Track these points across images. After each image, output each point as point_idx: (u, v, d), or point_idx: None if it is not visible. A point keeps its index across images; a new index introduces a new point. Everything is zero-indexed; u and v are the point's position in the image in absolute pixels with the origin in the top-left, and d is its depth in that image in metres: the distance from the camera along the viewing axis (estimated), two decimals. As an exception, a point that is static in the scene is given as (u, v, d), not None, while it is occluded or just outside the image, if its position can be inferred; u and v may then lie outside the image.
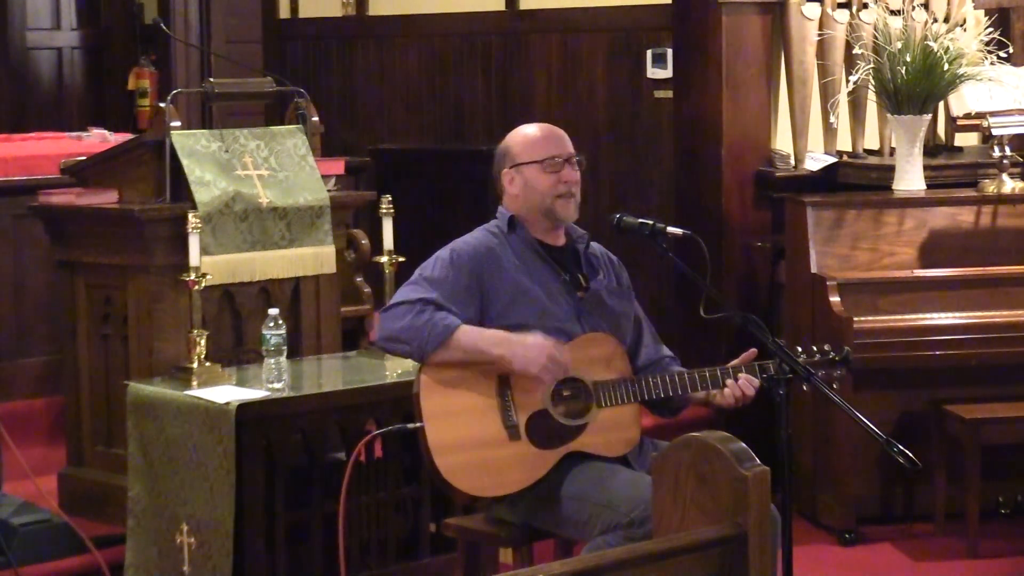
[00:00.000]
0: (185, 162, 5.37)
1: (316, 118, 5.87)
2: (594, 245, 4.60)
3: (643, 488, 3.99)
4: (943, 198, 6.22)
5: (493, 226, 4.52)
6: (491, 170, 4.59)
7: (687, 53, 6.79)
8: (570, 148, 4.51)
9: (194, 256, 5.10)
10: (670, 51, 7.30)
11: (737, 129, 6.59)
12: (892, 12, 6.46)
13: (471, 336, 4.28)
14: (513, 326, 4.35)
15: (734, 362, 4.35)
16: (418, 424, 4.29)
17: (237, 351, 5.48)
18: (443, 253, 4.42)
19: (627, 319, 4.55)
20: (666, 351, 4.60)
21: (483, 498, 4.41)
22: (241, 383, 5.06)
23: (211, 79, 6.21)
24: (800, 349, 4.29)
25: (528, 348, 4.27)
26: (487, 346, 4.29)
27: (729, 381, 4.32)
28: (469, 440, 4.28)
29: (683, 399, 4.45)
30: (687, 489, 3.56)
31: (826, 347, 4.34)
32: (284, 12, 9.46)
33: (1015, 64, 6.75)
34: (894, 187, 6.30)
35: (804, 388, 4.25)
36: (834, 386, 4.18)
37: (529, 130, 4.54)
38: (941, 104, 6.64)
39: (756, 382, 4.32)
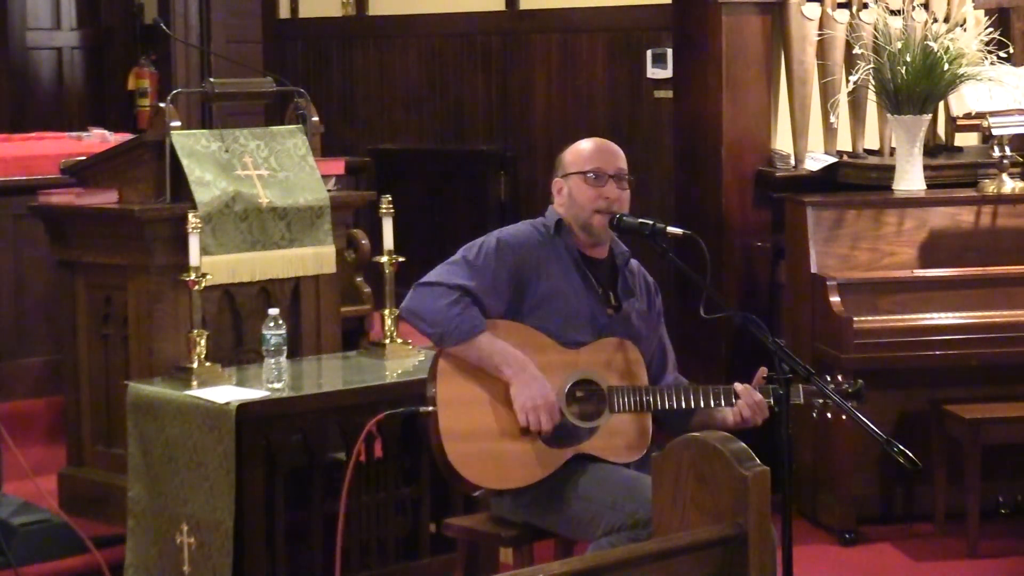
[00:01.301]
0: (185, 162, 5.37)
1: (316, 118, 5.87)
2: (633, 263, 4.58)
3: (648, 489, 3.99)
4: (943, 198, 6.22)
5: (540, 224, 4.50)
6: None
7: (687, 53, 6.78)
8: (619, 164, 4.48)
9: (194, 256, 5.10)
10: (670, 51, 7.29)
11: (737, 129, 6.58)
12: (892, 12, 6.45)
13: (492, 347, 4.29)
14: (536, 327, 4.36)
15: (747, 384, 4.36)
16: (429, 408, 4.30)
17: (237, 351, 5.48)
18: (490, 240, 4.40)
19: (649, 344, 4.53)
20: (682, 379, 4.60)
21: (487, 490, 4.41)
22: (241, 383, 5.06)
23: (211, 79, 6.21)
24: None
25: (534, 385, 4.27)
26: (501, 362, 4.28)
27: (741, 400, 4.32)
28: (481, 430, 4.28)
29: (689, 422, 4.44)
30: (687, 489, 3.56)
31: (839, 378, 4.32)
32: (284, 12, 9.47)
33: (1015, 64, 6.74)
34: (894, 187, 6.29)
35: (814, 415, 4.24)
36: (843, 417, 4.16)
37: (584, 142, 4.53)
38: (941, 104, 6.63)
39: (765, 409, 4.32)
